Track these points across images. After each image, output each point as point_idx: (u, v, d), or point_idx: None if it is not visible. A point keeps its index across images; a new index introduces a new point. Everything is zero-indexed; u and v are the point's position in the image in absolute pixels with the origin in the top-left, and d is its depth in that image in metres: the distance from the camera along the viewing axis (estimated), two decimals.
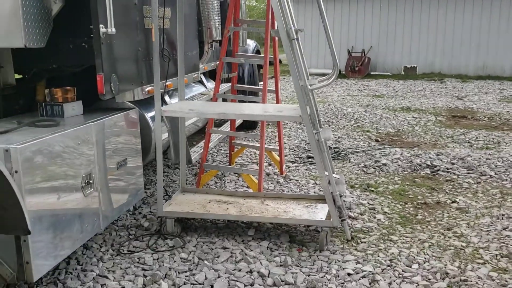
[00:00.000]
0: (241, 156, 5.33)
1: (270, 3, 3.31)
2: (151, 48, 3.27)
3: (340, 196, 3.20)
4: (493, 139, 6.20)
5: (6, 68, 2.94)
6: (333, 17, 15.29)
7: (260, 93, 4.67)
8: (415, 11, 14.57)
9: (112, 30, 2.62)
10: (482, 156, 5.17)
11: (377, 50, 14.97)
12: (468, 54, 14.29)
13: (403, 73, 14.77)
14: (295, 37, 3.06)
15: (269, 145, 5.61)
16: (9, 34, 2.45)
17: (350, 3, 15.13)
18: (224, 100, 5.09)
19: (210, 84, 5.45)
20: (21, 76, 3.26)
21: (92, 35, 2.65)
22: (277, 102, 4.65)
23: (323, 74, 14.82)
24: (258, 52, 6.95)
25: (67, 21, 2.78)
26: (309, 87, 3.09)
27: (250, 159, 5.33)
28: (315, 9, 15.13)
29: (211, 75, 5.76)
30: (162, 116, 3.24)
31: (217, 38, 5.01)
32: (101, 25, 2.61)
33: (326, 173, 3.10)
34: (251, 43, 6.90)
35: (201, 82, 5.40)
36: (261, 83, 4.94)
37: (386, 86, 12.30)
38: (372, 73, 14.85)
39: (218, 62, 4.58)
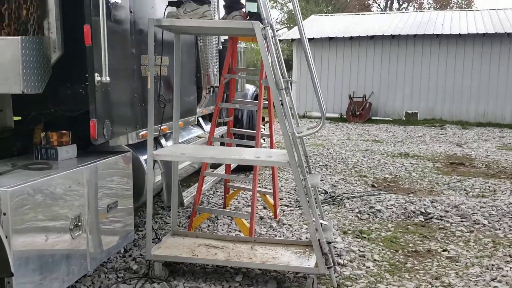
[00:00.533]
0: (236, 199, 5.37)
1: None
2: (147, 94, 3.39)
3: (329, 243, 3.22)
4: (489, 187, 6.22)
5: (5, 112, 3.06)
6: (335, 61, 15.65)
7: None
8: (416, 57, 14.88)
9: (106, 78, 2.75)
10: (477, 204, 5.18)
11: (378, 95, 15.20)
12: (469, 101, 14.48)
13: (404, 118, 14.93)
14: (283, 87, 3.17)
15: (265, 188, 5.66)
16: (8, 80, 2.58)
17: (352, 48, 15.49)
18: (222, 143, 5.18)
19: (208, 127, 5.56)
20: (20, 118, 3.37)
21: (87, 83, 2.78)
22: (271, 146, 4.74)
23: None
24: (257, 96, 7.11)
25: (65, 68, 2.91)
26: (297, 134, 3.18)
27: (245, 201, 5.36)
28: (316, 52, 15.53)
29: (211, 118, 5.89)
30: (155, 159, 3.32)
31: (215, 84, 5.17)
32: (96, 74, 2.73)
33: (314, 218, 3.14)
34: (250, 88, 7.07)
35: (199, 125, 5.53)
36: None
37: (386, 131, 12.41)
38: (373, 118, 15.02)
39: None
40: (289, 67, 28.94)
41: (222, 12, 3.85)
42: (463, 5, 34.90)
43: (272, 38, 3.29)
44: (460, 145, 10.09)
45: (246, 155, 3.42)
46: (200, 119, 5.58)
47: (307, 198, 3.15)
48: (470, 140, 10.97)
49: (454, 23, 15.61)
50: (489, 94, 14.26)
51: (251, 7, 3.87)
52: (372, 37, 15.13)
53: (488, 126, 13.56)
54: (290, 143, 3.08)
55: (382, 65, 15.24)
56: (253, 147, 4.34)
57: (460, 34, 14.28)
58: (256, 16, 3.51)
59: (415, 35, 14.74)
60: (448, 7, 34.28)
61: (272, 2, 35.48)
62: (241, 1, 3.65)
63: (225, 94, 5.42)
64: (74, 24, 2.85)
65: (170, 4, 3.60)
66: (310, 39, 15.56)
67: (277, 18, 36.98)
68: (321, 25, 17.59)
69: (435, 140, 10.94)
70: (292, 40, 16.09)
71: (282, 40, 17.05)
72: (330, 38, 15.63)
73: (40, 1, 2.85)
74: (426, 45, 14.77)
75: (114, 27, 3.03)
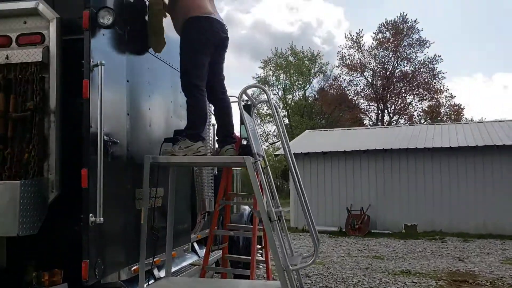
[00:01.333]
0: None
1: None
2: (140, 228, 3.43)
3: None
4: None
5: None
6: (330, 175, 15.92)
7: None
8: (410, 170, 15.16)
9: (100, 219, 2.81)
10: None
11: (376, 207, 15.21)
12: (467, 212, 14.44)
13: (403, 231, 14.77)
14: (275, 219, 3.23)
15: None
16: (5, 224, 2.64)
17: (346, 162, 15.83)
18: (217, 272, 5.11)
19: (203, 252, 5.51)
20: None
21: (81, 223, 2.83)
22: (268, 276, 4.67)
23: (324, 232, 14.77)
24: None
25: (61, 207, 2.99)
26: (291, 267, 3.16)
27: None
28: (312, 166, 15.86)
29: (206, 241, 5.86)
30: None
31: (211, 210, 5.23)
32: (90, 215, 2.80)
33: None
34: (247, 208, 7.12)
35: (193, 250, 5.48)
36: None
37: (386, 246, 12.22)
38: (372, 231, 14.86)
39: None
40: (286, 178, 29.24)
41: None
42: (453, 116, 36.44)
43: (263, 170, 3.43)
44: (462, 260, 9.88)
45: None
46: (195, 244, 5.55)
47: None
48: (472, 254, 10.77)
49: (444, 136, 16.17)
50: (487, 205, 14.28)
51: (244, 132, 4.07)
52: (365, 151, 15.56)
53: (489, 238, 13.38)
54: (285, 279, 3.06)
55: (377, 178, 15.48)
56: (249, 276, 4.27)
57: (451, 147, 14.72)
58: (247, 148, 3.68)
59: (407, 149, 15.17)
60: (438, 118, 35.80)
61: (268, 117, 37.05)
62: (233, 136, 3.85)
63: (221, 217, 5.46)
64: (72, 165, 2.98)
65: (166, 140, 3.81)
66: (305, 154, 16.02)
67: (274, 131, 38.31)
68: (315, 139, 18.19)
69: (436, 254, 10.73)
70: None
71: (278, 155, 17.45)
72: (325, 153, 16.07)
73: (41, 144, 3.01)
74: (419, 158, 15.14)
75: (111, 165, 3.16)
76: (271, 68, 40.35)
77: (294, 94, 40.55)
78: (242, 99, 3.50)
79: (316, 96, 40.46)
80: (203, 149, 3.59)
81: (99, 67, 2.91)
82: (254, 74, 49.46)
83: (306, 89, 40.58)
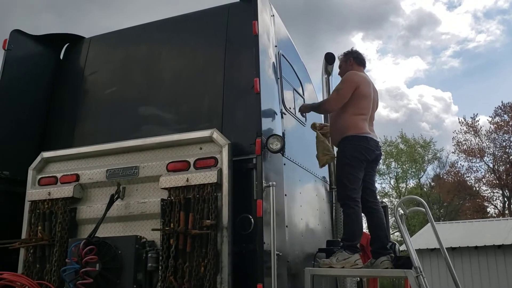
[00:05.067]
0: None
1: None
2: None
3: None
4: None
5: None
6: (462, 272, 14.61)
7: None
8: None
9: None
10: None
11: None
12: None
13: None
14: None
15: None
16: None
17: (479, 257, 14.51)
18: None
19: None
20: None
21: None
22: None
23: None
24: None
25: None
26: None
27: None
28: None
29: None
30: None
31: None
32: None
33: None
34: None
35: None
36: None
37: None
38: None
39: None
40: None
41: None
42: None
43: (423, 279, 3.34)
44: None
45: None
46: None
47: None
48: None
49: None
50: None
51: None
52: (500, 246, 14.21)
53: None
54: None
55: None
56: None
57: None
58: (404, 260, 3.64)
59: None
60: None
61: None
62: (387, 247, 3.83)
63: None
64: (244, 280, 3.18)
65: (320, 251, 3.91)
66: (431, 250, 14.99)
67: None
68: (442, 233, 17.04)
69: None
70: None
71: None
72: (453, 248, 14.93)
73: (215, 259, 3.27)
74: None
75: (280, 279, 3.28)
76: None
77: (408, 182, 39.05)
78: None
79: (432, 183, 38.53)
80: (360, 262, 3.61)
81: (271, 187, 3.18)
82: None
83: (421, 177, 38.94)
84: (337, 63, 4.60)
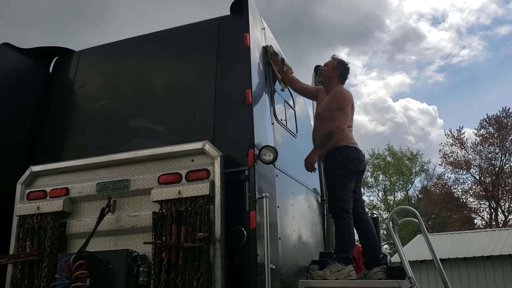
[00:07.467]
0: None
1: None
2: None
3: None
4: None
5: None
6: (452, 283, 14.62)
7: None
8: None
9: None
10: None
11: None
12: None
13: None
14: None
15: None
16: None
17: (468, 268, 14.55)
18: None
19: None
20: None
21: None
22: None
23: None
24: None
25: None
26: None
27: None
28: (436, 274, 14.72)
29: None
30: None
31: None
32: None
33: None
34: None
35: None
36: None
37: None
38: None
39: None
40: None
41: None
42: None
43: None
44: None
45: None
46: None
47: None
48: None
49: None
50: None
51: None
52: (488, 257, 14.28)
53: None
54: None
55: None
56: None
57: None
58: (397, 271, 3.64)
59: None
60: None
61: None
62: (380, 257, 3.83)
63: None
64: None
65: (313, 262, 3.89)
66: (421, 261, 15.01)
67: None
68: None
69: None
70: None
71: None
72: (442, 259, 14.97)
73: (208, 273, 3.22)
74: None
75: None
76: (369, 170, 39.87)
77: (396, 194, 39.24)
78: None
79: (420, 196, 38.77)
80: (354, 273, 3.60)
81: (264, 199, 3.17)
82: None
83: (409, 189, 39.17)
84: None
